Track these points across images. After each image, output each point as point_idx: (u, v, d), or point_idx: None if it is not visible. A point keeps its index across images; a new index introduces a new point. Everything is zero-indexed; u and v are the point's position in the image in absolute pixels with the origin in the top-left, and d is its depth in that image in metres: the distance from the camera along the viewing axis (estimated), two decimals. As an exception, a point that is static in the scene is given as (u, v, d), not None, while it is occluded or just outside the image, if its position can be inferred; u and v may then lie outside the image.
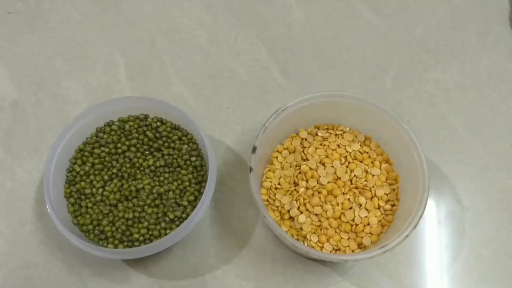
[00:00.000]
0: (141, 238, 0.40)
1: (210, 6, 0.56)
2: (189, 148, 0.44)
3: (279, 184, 0.43)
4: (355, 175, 0.43)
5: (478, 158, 0.48)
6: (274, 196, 0.43)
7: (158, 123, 0.45)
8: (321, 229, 0.42)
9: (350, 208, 0.42)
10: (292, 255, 0.44)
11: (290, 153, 0.45)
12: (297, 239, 0.42)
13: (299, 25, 0.55)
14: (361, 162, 0.44)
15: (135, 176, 0.43)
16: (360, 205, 0.42)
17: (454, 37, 0.54)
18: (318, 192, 0.42)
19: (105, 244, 0.40)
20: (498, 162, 0.48)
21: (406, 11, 0.55)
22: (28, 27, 0.54)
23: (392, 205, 0.43)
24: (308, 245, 0.41)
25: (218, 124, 0.49)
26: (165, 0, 0.56)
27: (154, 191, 0.42)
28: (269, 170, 0.44)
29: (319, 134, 0.45)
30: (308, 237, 0.41)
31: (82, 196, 0.42)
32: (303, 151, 0.44)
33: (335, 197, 0.42)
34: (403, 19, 0.55)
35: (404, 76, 0.52)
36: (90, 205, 0.42)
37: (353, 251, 0.41)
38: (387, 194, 0.43)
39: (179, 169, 0.43)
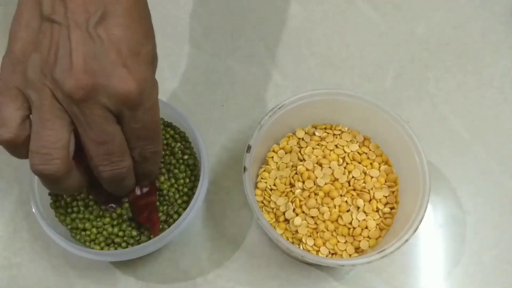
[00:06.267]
0: (130, 240, 0.39)
1: (206, -1, 0.55)
2: (182, 146, 0.42)
3: (274, 185, 0.42)
4: (353, 177, 0.42)
5: (480, 160, 0.47)
6: (269, 197, 0.41)
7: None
8: (317, 232, 0.40)
9: (348, 210, 0.41)
10: (287, 259, 0.43)
11: (286, 153, 0.43)
12: (292, 242, 0.40)
13: (297, 21, 0.53)
14: (359, 163, 0.43)
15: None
16: (358, 207, 0.41)
17: (456, 36, 0.53)
18: (315, 194, 0.41)
19: (92, 245, 0.39)
20: (500, 164, 0.46)
21: (407, 8, 0.54)
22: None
23: (391, 208, 0.41)
24: (303, 248, 0.40)
25: (212, 121, 0.48)
26: (159, -7, 0.55)
27: (144, 190, 0.40)
28: (264, 171, 0.43)
29: (317, 133, 0.44)
30: (303, 240, 0.40)
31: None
32: (299, 151, 0.43)
33: (332, 199, 0.41)
34: (404, 17, 0.54)
35: (405, 75, 0.51)
36: (76, 203, 0.40)
37: (350, 255, 0.40)
38: (386, 197, 0.42)
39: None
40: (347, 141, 0.44)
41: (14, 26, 0.30)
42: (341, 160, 0.43)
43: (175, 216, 0.39)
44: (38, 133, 0.29)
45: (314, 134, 0.44)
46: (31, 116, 0.30)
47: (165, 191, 0.40)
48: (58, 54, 0.28)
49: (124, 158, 0.32)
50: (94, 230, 0.39)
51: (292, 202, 0.41)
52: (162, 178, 0.40)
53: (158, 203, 0.40)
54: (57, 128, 0.29)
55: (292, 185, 0.42)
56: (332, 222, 0.41)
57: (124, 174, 0.32)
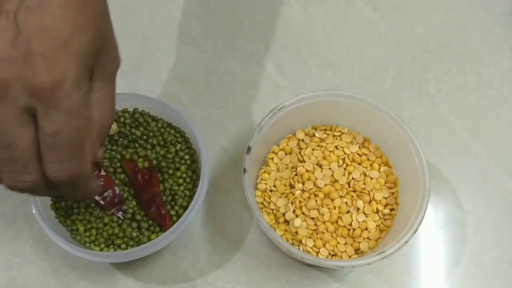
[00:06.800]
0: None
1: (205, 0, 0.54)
2: (182, 147, 0.42)
3: (274, 186, 0.42)
4: (353, 178, 0.42)
5: (480, 161, 0.47)
6: (269, 198, 0.41)
7: (150, 120, 0.43)
8: (317, 234, 0.40)
9: (348, 212, 0.41)
10: (287, 260, 0.42)
11: (286, 154, 0.43)
12: (292, 244, 0.40)
13: (297, 21, 0.53)
14: (359, 164, 0.43)
15: (124, 176, 0.41)
16: (358, 209, 0.41)
17: (456, 37, 0.52)
18: (315, 195, 0.41)
19: (91, 246, 0.39)
20: (500, 165, 0.46)
21: (407, 9, 0.54)
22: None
23: (391, 210, 0.41)
24: (303, 249, 0.40)
25: (212, 122, 0.48)
26: (159, -7, 0.55)
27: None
28: (264, 172, 0.43)
29: (317, 135, 0.44)
30: (303, 241, 0.40)
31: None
32: (299, 153, 0.43)
33: (332, 200, 0.41)
34: (404, 17, 0.54)
35: (405, 76, 0.51)
36: (76, 205, 0.40)
37: (350, 256, 0.40)
38: (386, 198, 0.42)
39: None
40: (347, 142, 0.43)
41: None
42: (341, 161, 0.43)
43: (175, 217, 0.39)
44: None
45: (314, 135, 0.44)
46: None
47: (165, 192, 0.40)
48: None
49: (27, 170, 0.27)
50: (93, 231, 0.39)
51: (292, 203, 0.41)
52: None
53: None
54: None
55: (292, 186, 0.42)
56: (332, 223, 0.40)
57: (28, 189, 0.28)
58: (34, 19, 0.26)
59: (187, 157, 0.42)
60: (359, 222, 0.41)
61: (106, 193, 0.39)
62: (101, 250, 0.39)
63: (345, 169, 0.42)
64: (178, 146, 0.42)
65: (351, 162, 0.43)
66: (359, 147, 0.43)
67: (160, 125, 0.43)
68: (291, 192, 0.41)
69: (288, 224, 0.41)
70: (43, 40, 0.26)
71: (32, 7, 0.26)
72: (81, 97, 0.27)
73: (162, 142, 0.42)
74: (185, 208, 0.40)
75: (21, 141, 0.26)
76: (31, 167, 0.27)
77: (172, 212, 0.39)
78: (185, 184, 0.41)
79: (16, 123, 0.26)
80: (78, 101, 0.27)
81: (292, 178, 0.42)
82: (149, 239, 0.39)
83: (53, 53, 0.26)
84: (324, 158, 0.42)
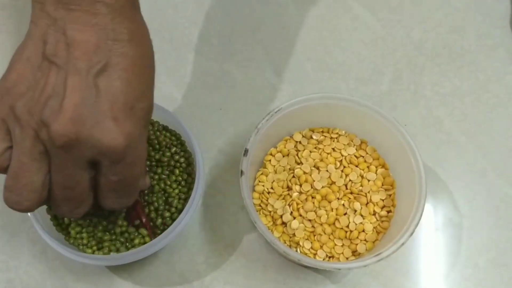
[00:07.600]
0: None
1: (203, 3, 0.55)
2: (177, 150, 0.42)
3: (271, 188, 0.42)
4: (350, 180, 0.42)
5: (476, 164, 0.47)
6: (267, 200, 0.42)
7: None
8: (314, 236, 0.40)
9: (345, 214, 0.41)
10: (284, 262, 0.42)
11: (283, 156, 0.44)
12: (290, 246, 0.40)
13: (295, 25, 0.54)
14: (356, 166, 0.43)
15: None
16: (355, 211, 0.41)
17: (452, 40, 0.53)
18: (312, 197, 0.41)
19: (84, 249, 0.39)
20: (496, 168, 0.47)
21: (403, 12, 0.54)
22: (17, 23, 0.53)
23: (388, 212, 0.41)
24: (301, 251, 0.40)
25: (210, 125, 0.48)
26: (157, -3, 0.55)
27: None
28: (261, 174, 0.43)
29: (314, 137, 0.44)
30: (301, 243, 0.40)
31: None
32: (297, 155, 0.43)
33: (329, 202, 0.41)
34: (400, 21, 0.54)
35: (401, 79, 0.51)
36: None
37: (347, 258, 0.40)
38: (383, 200, 0.42)
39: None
40: (344, 145, 0.44)
41: (15, 55, 0.29)
42: (338, 164, 0.43)
43: (170, 221, 0.39)
44: (15, 172, 0.29)
45: (311, 137, 0.44)
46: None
47: (160, 194, 0.40)
48: (50, 96, 0.27)
49: (82, 206, 0.32)
50: (85, 234, 0.39)
51: (289, 205, 0.41)
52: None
53: (153, 207, 0.40)
54: (32, 171, 0.29)
55: (289, 188, 0.42)
56: (329, 225, 0.41)
57: (76, 216, 0.33)
58: (105, 82, 0.28)
59: (182, 160, 0.42)
60: (356, 224, 0.41)
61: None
62: (93, 252, 0.38)
63: (342, 171, 0.42)
64: (173, 149, 0.42)
65: (348, 164, 0.43)
66: (356, 149, 0.44)
67: (155, 128, 0.43)
68: (288, 194, 0.41)
69: (286, 226, 0.41)
70: (114, 104, 0.28)
71: (101, 69, 0.28)
72: (141, 150, 0.31)
73: (157, 146, 0.42)
74: (181, 211, 0.40)
75: (81, 184, 0.30)
76: (85, 203, 0.31)
77: (167, 215, 0.39)
78: (180, 187, 0.41)
79: (78, 170, 0.29)
80: (139, 154, 0.31)
81: (290, 180, 0.42)
82: (144, 242, 0.38)
83: (123, 118, 0.28)
84: (321, 160, 0.43)
